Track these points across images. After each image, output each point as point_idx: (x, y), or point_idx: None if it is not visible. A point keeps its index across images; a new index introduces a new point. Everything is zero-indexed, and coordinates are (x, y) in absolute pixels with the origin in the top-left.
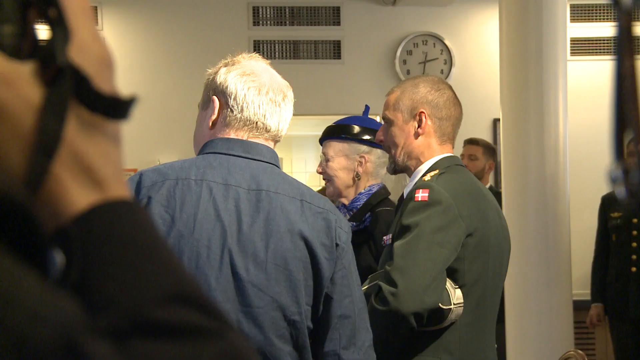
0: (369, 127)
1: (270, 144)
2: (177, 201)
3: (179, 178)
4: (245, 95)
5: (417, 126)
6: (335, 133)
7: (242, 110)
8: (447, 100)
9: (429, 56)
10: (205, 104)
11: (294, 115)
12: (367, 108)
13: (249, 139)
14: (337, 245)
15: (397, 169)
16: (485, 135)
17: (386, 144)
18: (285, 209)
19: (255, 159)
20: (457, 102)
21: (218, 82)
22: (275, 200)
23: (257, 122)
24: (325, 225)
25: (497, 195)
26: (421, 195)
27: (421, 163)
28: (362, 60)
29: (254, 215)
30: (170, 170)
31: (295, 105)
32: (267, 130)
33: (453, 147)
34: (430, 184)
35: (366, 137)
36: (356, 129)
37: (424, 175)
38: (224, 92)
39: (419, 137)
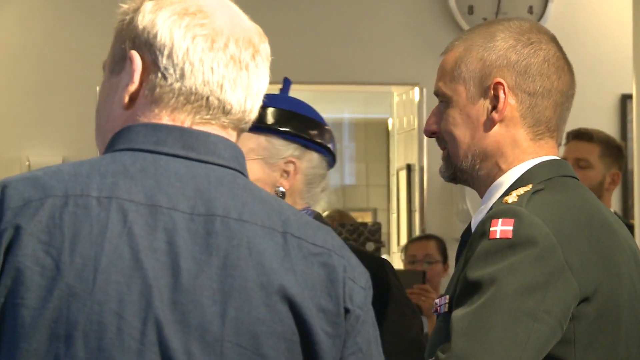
0: (302, 113)
1: (232, 135)
2: (65, 235)
3: (70, 194)
4: (188, 49)
5: (491, 107)
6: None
7: (182, 75)
8: (544, 62)
9: None
10: (117, 64)
11: (274, 84)
12: (287, 82)
13: (194, 126)
14: (347, 311)
15: (460, 177)
16: (608, 122)
17: (441, 137)
18: (255, 248)
19: (203, 161)
20: (565, 66)
21: (140, 27)
22: (239, 233)
23: (208, 97)
24: (327, 276)
25: (628, 228)
26: (501, 228)
27: (502, 172)
28: None
29: (202, 260)
30: (55, 181)
31: (277, 68)
32: (226, 112)
33: (559, 144)
34: (517, 210)
35: (297, 126)
36: (283, 114)
37: (507, 192)
38: (150, 44)
39: (496, 126)
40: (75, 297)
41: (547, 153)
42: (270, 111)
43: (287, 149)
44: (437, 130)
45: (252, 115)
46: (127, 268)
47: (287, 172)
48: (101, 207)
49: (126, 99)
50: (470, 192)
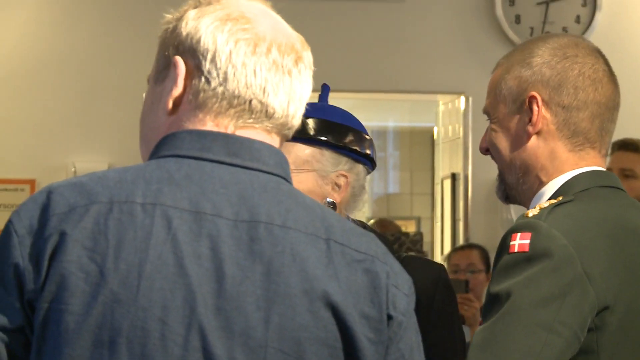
0: (351, 126)
1: (275, 141)
2: (110, 241)
3: (115, 201)
4: (231, 52)
5: (527, 121)
6: (305, 131)
7: (225, 79)
8: (579, 75)
9: None
10: (161, 72)
11: (316, 91)
12: (325, 88)
13: (238, 130)
14: (390, 317)
15: (510, 194)
16: None
17: (491, 154)
18: (299, 255)
19: (248, 168)
20: (605, 78)
21: (184, 34)
22: (283, 239)
23: (250, 100)
24: (370, 282)
25: None
26: (519, 242)
27: (543, 184)
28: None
29: (246, 267)
30: (100, 187)
31: (323, 76)
32: (269, 115)
33: (605, 155)
34: (535, 223)
35: (349, 139)
36: (335, 127)
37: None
38: (193, 49)
39: (533, 139)
40: (119, 303)
41: (588, 164)
42: (322, 123)
43: (339, 163)
44: (487, 145)
45: (296, 121)
46: (171, 274)
47: (338, 185)
48: (146, 214)
49: (170, 104)
50: None
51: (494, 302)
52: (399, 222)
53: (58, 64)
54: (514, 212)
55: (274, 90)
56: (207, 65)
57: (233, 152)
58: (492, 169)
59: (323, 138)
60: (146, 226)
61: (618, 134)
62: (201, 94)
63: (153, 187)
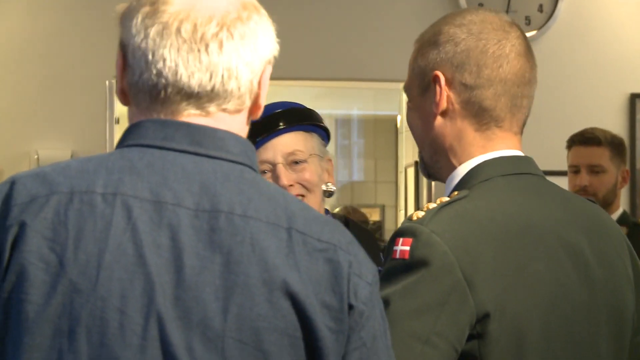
0: (305, 107)
1: (226, 119)
2: (70, 232)
3: (75, 190)
4: (140, 44)
5: (433, 101)
6: (305, 117)
7: (141, 71)
8: (483, 52)
9: None
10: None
11: (275, 79)
12: None
13: (188, 119)
14: (350, 307)
15: (430, 172)
16: (616, 120)
17: None
18: (259, 244)
19: (211, 157)
20: (512, 54)
21: (121, 26)
22: (243, 229)
23: (166, 87)
24: (331, 271)
25: (635, 227)
26: (400, 248)
27: (454, 167)
28: None
29: (205, 257)
30: (62, 177)
31: (286, 64)
32: (194, 96)
33: (520, 132)
34: (417, 229)
35: (323, 123)
36: (314, 113)
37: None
38: (120, 37)
39: (439, 119)
40: (79, 293)
41: (496, 146)
42: (307, 111)
43: (325, 146)
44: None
45: (235, 91)
46: (130, 264)
47: (328, 170)
48: (106, 204)
49: (119, 96)
50: None
51: None
52: (363, 210)
53: (20, 52)
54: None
55: (187, 70)
56: (129, 57)
57: (197, 141)
58: None
59: (318, 123)
60: (106, 216)
61: (588, 123)
62: (132, 89)
63: (114, 177)
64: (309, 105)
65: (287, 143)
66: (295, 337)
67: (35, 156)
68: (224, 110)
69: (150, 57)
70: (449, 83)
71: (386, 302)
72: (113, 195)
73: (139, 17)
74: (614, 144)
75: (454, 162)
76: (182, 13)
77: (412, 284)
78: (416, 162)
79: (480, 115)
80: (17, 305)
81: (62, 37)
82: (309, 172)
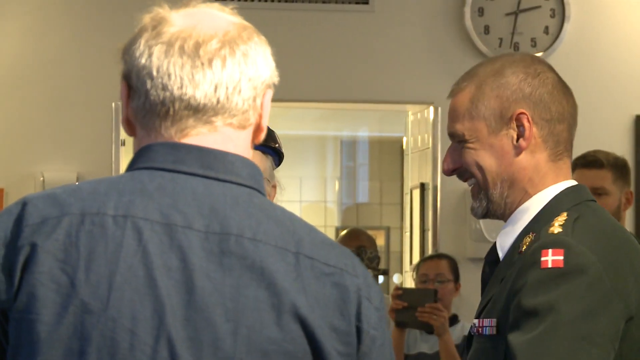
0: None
1: (231, 136)
2: (81, 253)
3: (87, 212)
4: (144, 64)
5: (515, 137)
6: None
7: (146, 91)
8: (553, 89)
9: (525, 2)
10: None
11: (280, 101)
12: None
13: (184, 139)
14: (359, 330)
15: (493, 209)
16: (621, 142)
17: (466, 173)
18: (268, 268)
19: (221, 180)
20: (567, 89)
21: (122, 58)
22: (253, 252)
23: (173, 103)
24: (339, 294)
25: None
26: (552, 258)
27: (528, 196)
28: (404, 7)
29: (216, 279)
30: (73, 199)
31: (293, 86)
32: (198, 109)
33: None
34: (565, 240)
35: (278, 143)
36: (270, 131)
37: (537, 223)
38: (124, 67)
39: (522, 154)
40: (90, 313)
41: (565, 176)
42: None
43: (272, 169)
44: (457, 166)
45: (239, 105)
46: (140, 286)
47: (270, 195)
48: (117, 226)
49: (124, 126)
50: None
51: (531, 315)
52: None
53: (27, 73)
54: (483, 222)
55: (192, 83)
56: (134, 82)
57: (207, 164)
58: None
59: (276, 145)
60: (117, 238)
61: (593, 145)
62: (139, 113)
63: (125, 199)
64: (314, 127)
65: None
66: None
67: (41, 178)
68: (230, 124)
69: (155, 73)
70: (531, 119)
71: (550, 307)
72: (124, 218)
73: (142, 41)
74: (617, 166)
75: (530, 191)
76: (184, 32)
77: (574, 290)
78: (422, 184)
79: (556, 147)
80: (29, 325)
81: (68, 59)
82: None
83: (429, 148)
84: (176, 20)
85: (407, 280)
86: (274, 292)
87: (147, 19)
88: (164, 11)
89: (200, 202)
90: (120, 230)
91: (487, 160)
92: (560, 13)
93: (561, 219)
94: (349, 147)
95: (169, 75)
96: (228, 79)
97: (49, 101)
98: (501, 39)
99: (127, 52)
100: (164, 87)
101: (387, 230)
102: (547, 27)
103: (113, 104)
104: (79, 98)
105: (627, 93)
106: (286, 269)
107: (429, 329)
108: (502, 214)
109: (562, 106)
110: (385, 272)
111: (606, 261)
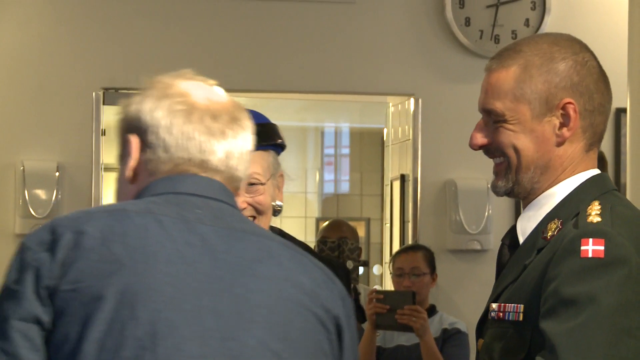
0: (269, 121)
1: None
2: (116, 233)
3: (113, 210)
4: (168, 125)
5: (559, 125)
6: (267, 137)
7: (166, 148)
8: (598, 80)
9: None
10: (123, 151)
11: (261, 91)
12: None
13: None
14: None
15: (516, 190)
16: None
17: (497, 152)
18: (275, 252)
19: (213, 199)
20: (607, 80)
21: (130, 116)
22: (258, 242)
23: (192, 160)
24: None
25: None
26: (592, 248)
27: (553, 184)
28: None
29: (230, 252)
30: (95, 209)
31: (274, 77)
32: (216, 171)
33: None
34: (606, 230)
35: (281, 137)
36: (270, 127)
37: (563, 209)
38: (138, 125)
39: (563, 144)
40: (136, 275)
41: (592, 165)
42: (263, 127)
43: (278, 162)
44: (488, 143)
45: (240, 174)
46: (170, 254)
47: (279, 186)
48: (139, 216)
49: (130, 173)
50: (463, 204)
51: (570, 304)
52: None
53: (6, 63)
54: (463, 214)
55: (210, 149)
56: (150, 138)
57: (200, 187)
58: (441, 171)
59: (279, 141)
60: (142, 225)
61: None
62: (151, 164)
63: (141, 206)
64: (295, 118)
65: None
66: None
67: (21, 167)
68: (231, 185)
69: (177, 135)
70: (578, 109)
71: (591, 298)
72: (145, 213)
73: (161, 103)
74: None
75: (557, 179)
76: (201, 103)
77: (615, 281)
78: (402, 176)
79: (593, 138)
80: (82, 292)
81: (49, 49)
82: (264, 195)
83: (409, 139)
84: (192, 91)
85: (387, 273)
86: (282, 271)
87: (158, 90)
88: (177, 85)
89: (204, 211)
90: (144, 220)
91: (525, 144)
92: (540, 5)
93: (596, 207)
94: (329, 138)
95: (191, 140)
96: (240, 152)
97: (29, 91)
98: (482, 31)
99: (140, 111)
100: (184, 148)
101: (368, 221)
102: (527, 20)
103: (94, 94)
104: (60, 87)
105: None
106: (289, 254)
107: (409, 331)
108: (525, 197)
109: (604, 97)
110: (366, 264)
111: None
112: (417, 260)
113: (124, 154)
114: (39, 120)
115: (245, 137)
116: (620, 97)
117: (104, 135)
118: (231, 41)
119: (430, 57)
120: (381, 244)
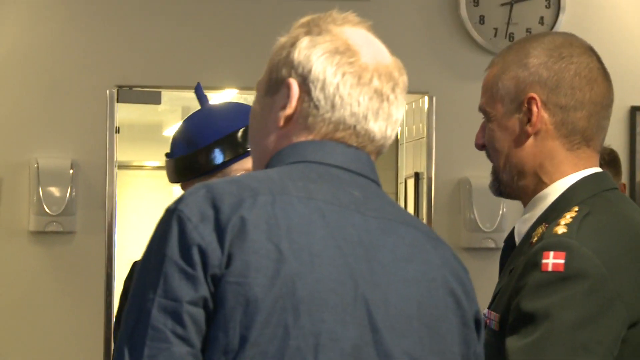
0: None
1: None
2: (280, 226)
3: (276, 193)
4: (338, 84)
5: (525, 121)
6: None
7: (333, 107)
8: (575, 75)
9: None
10: (273, 87)
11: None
12: (198, 86)
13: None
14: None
15: (503, 190)
16: (616, 133)
17: (488, 151)
18: (420, 247)
19: (361, 175)
20: (599, 77)
21: (296, 61)
22: (405, 233)
23: (355, 127)
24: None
25: None
26: (552, 261)
27: (545, 184)
28: None
29: (384, 248)
30: (256, 182)
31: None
32: (371, 140)
33: (598, 152)
34: (568, 243)
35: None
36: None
37: (552, 212)
38: (304, 77)
39: (530, 139)
40: (299, 276)
41: (586, 164)
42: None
43: None
44: (484, 142)
45: (390, 141)
46: (334, 255)
47: None
48: (303, 204)
49: (282, 121)
50: (477, 202)
51: (529, 319)
52: None
53: (20, 60)
54: (477, 212)
55: (374, 117)
56: (317, 93)
57: (350, 160)
58: (455, 169)
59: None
60: (305, 215)
61: None
62: (310, 118)
63: (299, 184)
64: None
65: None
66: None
67: (35, 165)
68: (379, 153)
69: (346, 97)
70: (544, 104)
71: (546, 314)
72: (307, 199)
73: (333, 60)
74: (604, 160)
75: (545, 180)
76: (370, 65)
77: (572, 296)
78: (416, 174)
79: (573, 136)
80: (246, 288)
81: (63, 46)
82: None
83: (423, 138)
84: (362, 49)
85: None
86: (430, 267)
87: (327, 36)
88: (345, 35)
89: (353, 189)
90: (307, 209)
91: (500, 142)
92: (555, 3)
93: (570, 215)
94: None
95: (359, 104)
96: (396, 118)
97: (44, 88)
98: (496, 29)
99: (303, 60)
100: (352, 114)
101: None
102: (542, 18)
103: (108, 91)
104: (74, 85)
105: (622, 84)
106: (435, 249)
107: None
108: (517, 197)
109: (584, 93)
110: None
111: (612, 264)
112: None
113: (271, 90)
114: (53, 118)
115: (403, 103)
116: (635, 95)
117: (118, 132)
118: (245, 39)
119: (444, 55)
120: None
